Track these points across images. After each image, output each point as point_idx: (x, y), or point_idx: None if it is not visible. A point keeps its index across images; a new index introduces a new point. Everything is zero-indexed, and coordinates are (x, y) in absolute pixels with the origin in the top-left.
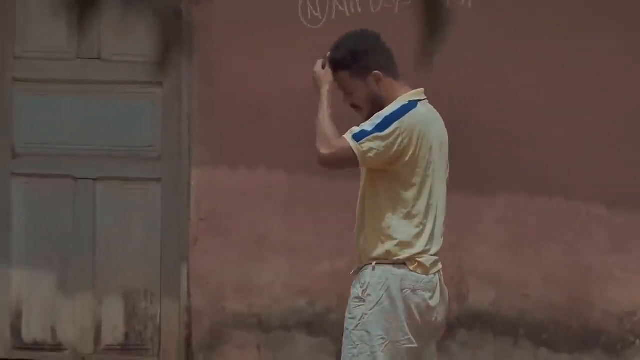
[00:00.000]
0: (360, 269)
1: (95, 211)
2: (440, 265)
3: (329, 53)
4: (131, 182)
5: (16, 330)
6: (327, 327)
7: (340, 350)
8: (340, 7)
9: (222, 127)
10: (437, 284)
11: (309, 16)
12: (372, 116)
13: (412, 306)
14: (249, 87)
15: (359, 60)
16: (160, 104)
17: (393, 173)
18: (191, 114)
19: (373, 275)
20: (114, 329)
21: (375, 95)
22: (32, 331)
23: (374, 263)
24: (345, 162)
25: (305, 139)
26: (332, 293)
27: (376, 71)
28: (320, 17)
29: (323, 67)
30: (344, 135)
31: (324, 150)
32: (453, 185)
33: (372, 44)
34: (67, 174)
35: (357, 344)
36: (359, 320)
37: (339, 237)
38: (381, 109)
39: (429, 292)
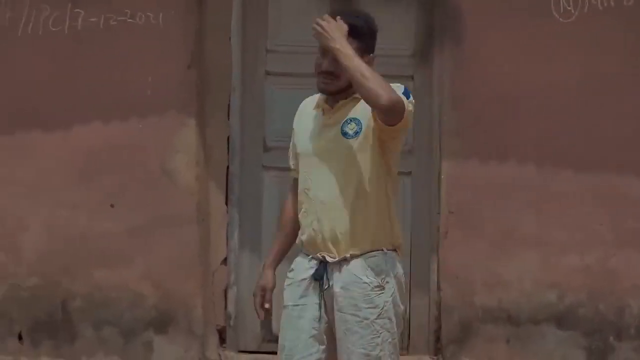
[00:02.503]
0: (362, 254)
1: None
2: None
3: (341, 17)
4: None
5: (266, 322)
6: (577, 320)
7: (591, 344)
8: (593, 1)
9: (473, 120)
10: None
11: (562, 10)
12: (336, 93)
13: (403, 292)
14: (500, 79)
15: (371, 37)
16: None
17: (395, 155)
18: (442, 106)
19: (387, 262)
20: None
21: None
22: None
23: (385, 249)
24: (397, 114)
25: (555, 131)
26: (582, 287)
27: (374, 54)
28: (573, 11)
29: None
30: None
31: (391, 94)
32: None
33: (377, 30)
34: None
35: (380, 332)
36: (382, 309)
37: (589, 230)
38: (348, 89)
39: None
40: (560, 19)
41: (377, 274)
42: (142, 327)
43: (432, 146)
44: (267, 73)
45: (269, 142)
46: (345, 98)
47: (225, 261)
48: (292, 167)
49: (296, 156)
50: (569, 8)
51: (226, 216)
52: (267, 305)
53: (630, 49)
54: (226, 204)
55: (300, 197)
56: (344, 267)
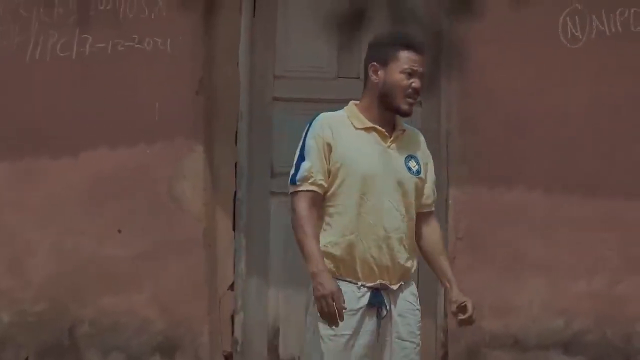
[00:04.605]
0: (406, 282)
1: None
2: None
3: (417, 39)
4: None
5: (273, 348)
6: (584, 347)
7: None
8: (600, 27)
9: (481, 145)
10: None
11: (569, 35)
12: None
13: None
14: (508, 104)
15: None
16: (419, 124)
17: None
18: (450, 133)
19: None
20: None
21: None
22: (288, 348)
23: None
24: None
25: (563, 156)
26: (589, 312)
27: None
28: (580, 37)
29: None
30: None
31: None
32: None
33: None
34: None
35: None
36: (419, 331)
37: (597, 256)
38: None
39: None
40: (568, 45)
41: (419, 301)
42: (149, 353)
43: (439, 172)
44: (275, 99)
45: (276, 168)
46: (394, 128)
47: (232, 287)
48: (320, 181)
49: (326, 172)
50: (577, 34)
51: (233, 242)
52: (345, 306)
53: (638, 73)
54: (233, 229)
55: (347, 220)
56: (400, 295)
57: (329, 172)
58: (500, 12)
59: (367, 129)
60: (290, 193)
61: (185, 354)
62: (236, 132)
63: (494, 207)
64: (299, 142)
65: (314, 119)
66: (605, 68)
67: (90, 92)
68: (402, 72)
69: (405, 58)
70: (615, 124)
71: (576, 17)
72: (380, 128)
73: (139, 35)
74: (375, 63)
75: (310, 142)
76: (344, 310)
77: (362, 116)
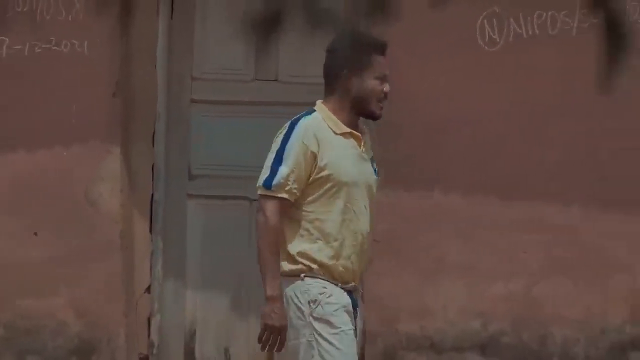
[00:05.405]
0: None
1: None
2: None
3: (384, 41)
4: None
5: (189, 351)
6: (500, 349)
7: None
8: (518, 30)
9: (400, 149)
10: None
11: (487, 38)
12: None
13: None
14: (427, 107)
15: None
16: None
17: None
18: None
19: None
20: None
21: None
22: (205, 352)
23: None
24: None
25: (482, 160)
26: (506, 315)
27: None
28: (498, 40)
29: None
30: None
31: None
32: (627, 205)
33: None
34: (242, 196)
35: None
36: None
37: (514, 258)
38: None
39: None
40: (486, 48)
41: None
42: (65, 356)
43: None
44: (193, 101)
45: (193, 170)
46: (360, 131)
47: (148, 289)
48: (294, 190)
49: (303, 181)
50: (494, 37)
51: (150, 244)
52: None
53: (556, 76)
54: (150, 232)
55: (332, 227)
56: (358, 296)
57: (310, 179)
58: (417, 14)
59: (344, 135)
60: (261, 195)
61: (102, 357)
62: (153, 134)
63: (413, 211)
64: (216, 144)
65: (293, 122)
66: (523, 71)
67: (7, 94)
68: (376, 78)
69: (378, 64)
70: (533, 126)
71: (494, 20)
72: (356, 133)
73: (56, 37)
74: (349, 69)
75: (292, 147)
76: (341, 308)
77: (337, 120)
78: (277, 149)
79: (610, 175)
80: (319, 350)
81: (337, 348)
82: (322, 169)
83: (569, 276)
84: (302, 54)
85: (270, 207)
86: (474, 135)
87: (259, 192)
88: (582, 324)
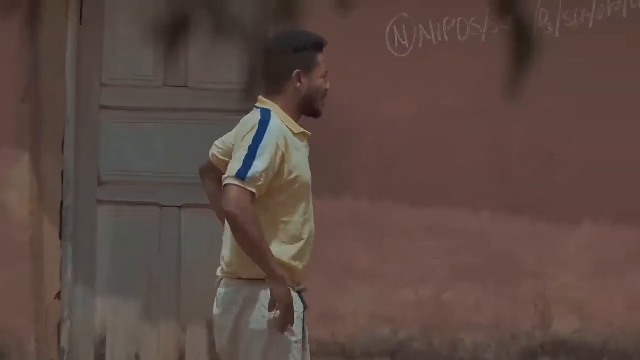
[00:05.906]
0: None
1: (180, 239)
2: (217, 274)
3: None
4: None
5: (100, 357)
6: (410, 355)
7: None
8: (427, 35)
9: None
10: (217, 294)
11: (396, 44)
12: None
13: None
14: (335, 113)
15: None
16: None
17: None
18: None
19: None
20: (197, 357)
21: None
22: (115, 358)
23: None
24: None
25: (389, 166)
26: (415, 321)
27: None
28: (407, 45)
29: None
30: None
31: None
32: (535, 211)
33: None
34: (152, 201)
35: None
36: None
37: (423, 264)
38: None
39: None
40: (395, 54)
41: None
42: None
43: None
44: (102, 107)
45: (103, 176)
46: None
47: (58, 295)
48: (263, 188)
49: (269, 181)
50: (404, 42)
51: (60, 250)
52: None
53: (464, 83)
54: (60, 238)
55: (296, 228)
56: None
57: (282, 181)
58: (325, 19)
59: (299, 135)
60: (232, 184)
61: None
62: (63, 140)
63: (322, 216)
64: (126, 150)
65: (262, 121)
66: (433, 77)
67: None
68: (321, 76)
69: (322, 62)
70: (442, 132)
71: (403, 25)
72: (308, 132)
73: None
74: (299, 70)
75: (266, 146)
76: (298, 318)
77: (293, 121)
78: (248, 145)
79: (519, 181)
80: (281, 351)
81: (296, 356)
82: (290, 172)
83: (479, 281)
84: (211, 60)
85: (246, 199)
86: (383, 141)
87: (230, 181)
88: (492, 329)
